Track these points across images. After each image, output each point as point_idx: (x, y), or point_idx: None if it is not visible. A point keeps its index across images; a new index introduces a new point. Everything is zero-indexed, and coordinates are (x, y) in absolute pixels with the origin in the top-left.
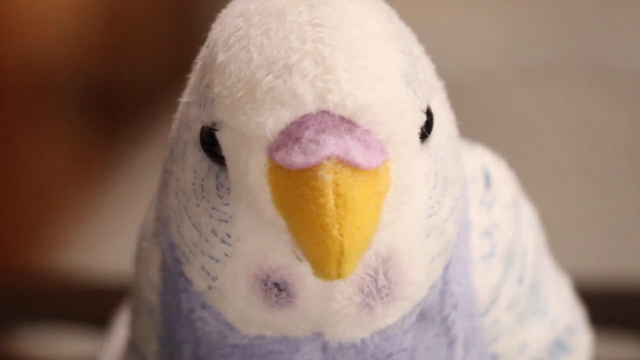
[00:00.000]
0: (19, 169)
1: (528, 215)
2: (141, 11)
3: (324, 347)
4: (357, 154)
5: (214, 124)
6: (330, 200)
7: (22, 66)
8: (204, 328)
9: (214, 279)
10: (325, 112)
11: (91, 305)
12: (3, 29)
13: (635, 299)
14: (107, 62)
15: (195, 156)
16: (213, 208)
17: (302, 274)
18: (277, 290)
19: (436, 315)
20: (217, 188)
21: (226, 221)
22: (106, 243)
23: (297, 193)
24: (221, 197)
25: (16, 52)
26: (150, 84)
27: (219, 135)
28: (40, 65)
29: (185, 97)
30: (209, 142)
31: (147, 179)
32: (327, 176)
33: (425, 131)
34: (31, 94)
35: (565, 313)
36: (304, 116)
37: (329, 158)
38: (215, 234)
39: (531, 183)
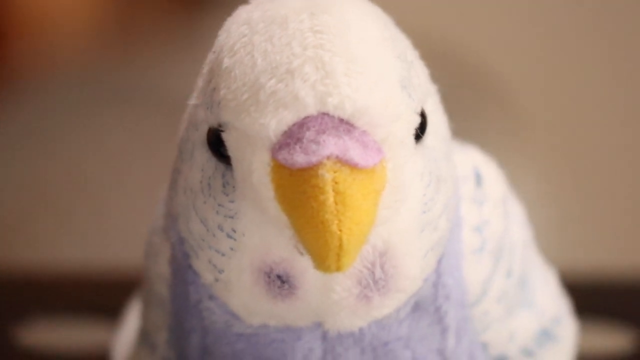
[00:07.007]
0: None
1: (516, 211)
2: None
3: (324, 336)
4: (356, 154)
5: (220, 126)
6: (330, 198)
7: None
8: (211, 318)
9: (220, 271)
10: (325, 114)
11: (104, 297)
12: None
13: (618, 289)
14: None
15: (203, 156)
16: (219, 205)
17: (303, 267)
18: (279, 282)
19: (430, 306)
20: (223, 186)
21: (232, 217)
22: (118, 237)
23: (299, 191)
24: (227, 195)
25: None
26: None
27: (224, 136)
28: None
29: (193, 100)
30: (216, 143)
31: (149, 176)
32: (327, 175)
33: (420, 132)
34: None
35: (552, 304)
36: (305, 118)
37: (328, 157)
38: (222, 229)
39: (518, 178)
